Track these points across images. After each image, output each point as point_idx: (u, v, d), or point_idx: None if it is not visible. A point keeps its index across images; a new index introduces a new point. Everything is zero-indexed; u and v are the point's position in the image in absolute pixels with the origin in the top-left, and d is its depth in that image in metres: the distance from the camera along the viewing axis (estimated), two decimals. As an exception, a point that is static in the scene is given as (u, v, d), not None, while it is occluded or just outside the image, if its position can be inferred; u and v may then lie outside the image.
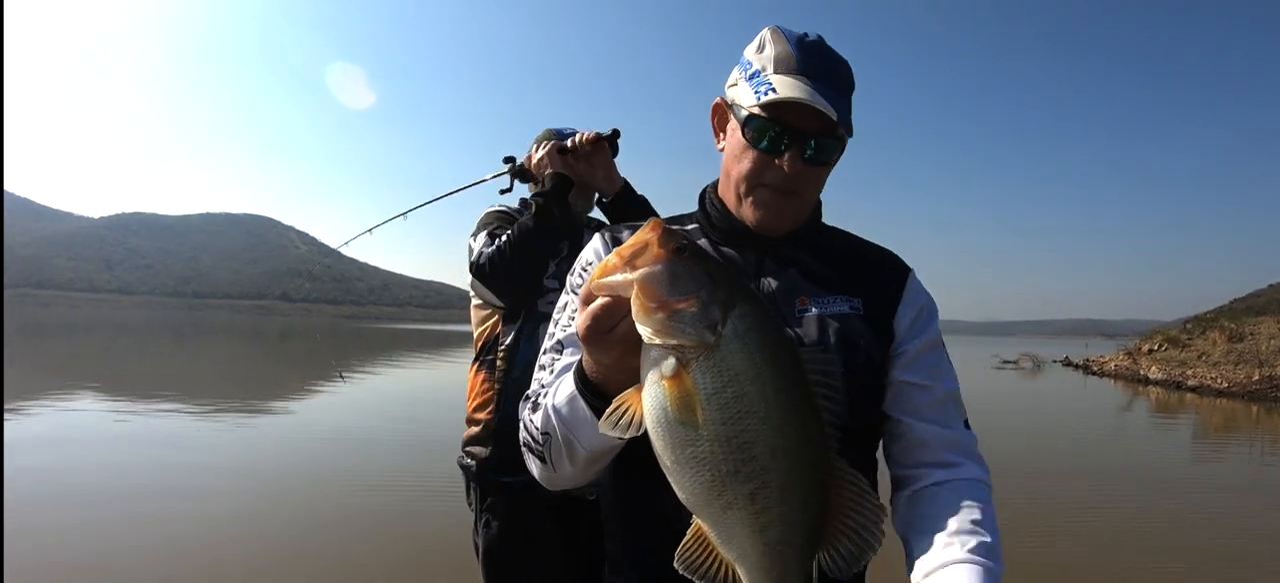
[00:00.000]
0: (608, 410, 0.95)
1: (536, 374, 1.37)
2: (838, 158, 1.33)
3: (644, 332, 0.89)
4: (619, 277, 0.91)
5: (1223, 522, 8.25)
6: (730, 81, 1.35)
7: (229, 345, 41.90)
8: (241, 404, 14.89)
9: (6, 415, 11.07)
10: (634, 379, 0.96)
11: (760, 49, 1.29)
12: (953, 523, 1.20)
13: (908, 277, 1.43)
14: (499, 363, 2.62)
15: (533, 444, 1.25)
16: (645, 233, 0.93)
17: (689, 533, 0.98)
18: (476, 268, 2.59)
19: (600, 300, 0.95)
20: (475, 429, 2.67)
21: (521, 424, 1.29)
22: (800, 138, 1.26)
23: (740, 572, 0.95)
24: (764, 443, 0.88)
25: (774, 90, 1.23)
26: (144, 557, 5.74)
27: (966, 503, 1.23)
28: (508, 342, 2.61)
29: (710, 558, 0.96)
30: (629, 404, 0.94)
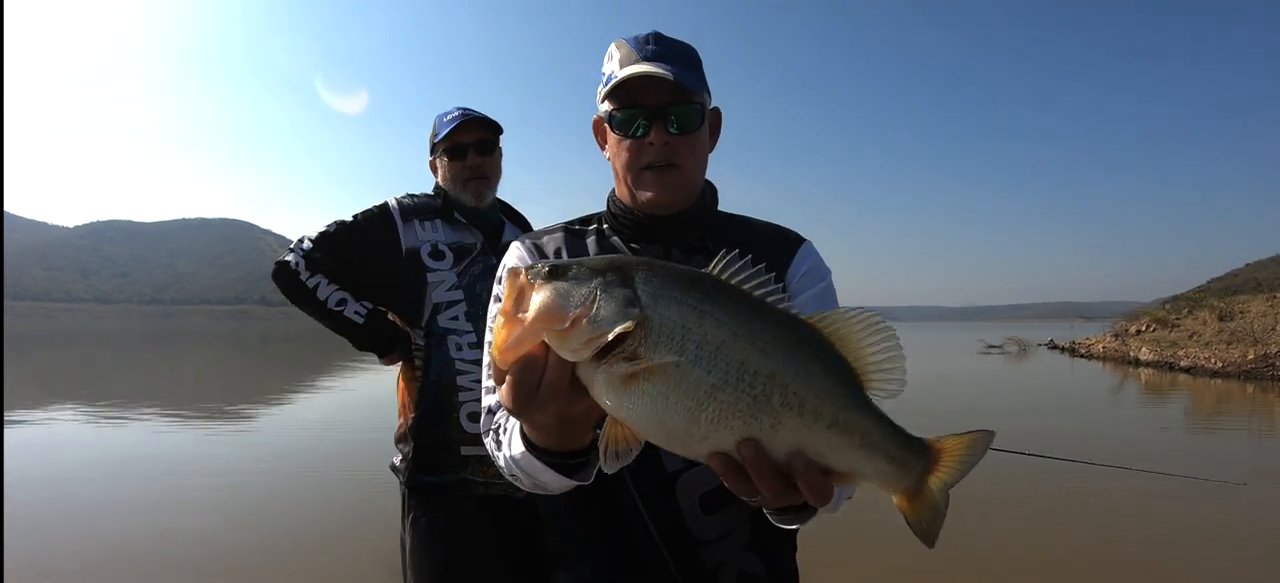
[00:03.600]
0: (603, 452, 0.94)
1: (485, 382, 1.40)
2: (701, 125, 1.42)
3: (576, 355, 0.88)
4: (516, 332, 0.89)
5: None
6: (598, 98, 1.45)
7: (209, 353, 41.18)
8: (224, 412, 14.57)
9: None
10: (581, 430, 1.04)
11: (609, 59, 1.42)
12: None
13: (800, 246, 1.51)
14: (417, 363, 2.60)
15: (504, 471, 1.29)
16: (510, 282, 0.91)
17: None
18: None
19: (514, 366, 0.92)
20: (399, 428, 2.65)
21: (489, 445, 1.34)
22: (659, 114, 1.37)
23: (835, 464, 0.94)
24: (751, 356, 0.89)
25: (615, 77, 1.37)
26: (128, 565, 5.76)
27: None
28: (422, 345, 2.59)
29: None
30: (615, 436, 0.93)
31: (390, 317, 2.67)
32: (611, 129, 1.42)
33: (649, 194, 1.41)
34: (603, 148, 1.50)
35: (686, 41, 1.45)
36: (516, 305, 0.89)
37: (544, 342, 0.89)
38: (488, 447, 1.34)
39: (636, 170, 1.41)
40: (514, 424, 1.18)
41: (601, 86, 1.43)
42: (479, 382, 2.47)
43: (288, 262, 2.59)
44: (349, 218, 2.66)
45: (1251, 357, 23.01)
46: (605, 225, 1.53)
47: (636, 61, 1.36)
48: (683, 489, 1.41)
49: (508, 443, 1.23)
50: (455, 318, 2.54)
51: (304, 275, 2.57)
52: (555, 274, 0.89)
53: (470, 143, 2.67)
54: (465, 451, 2.51)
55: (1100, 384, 23.18)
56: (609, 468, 0.94)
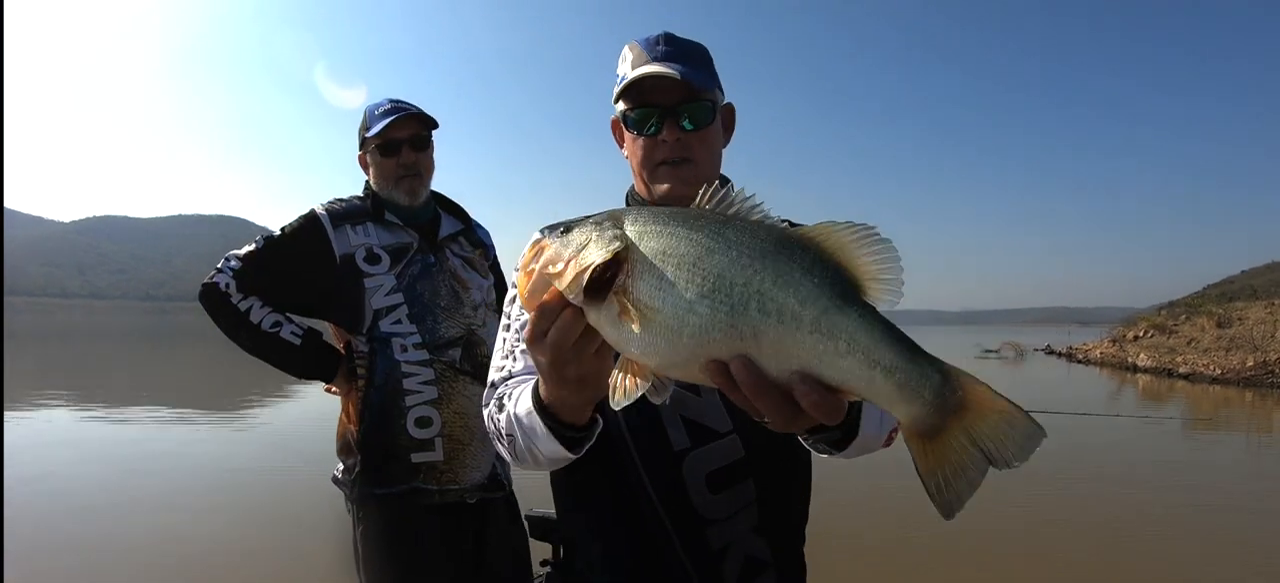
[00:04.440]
0: (612, 394, 0.97)
1: (503, 362, 1.45)
2: (713, 121, 1.48)
3: (573, 287, 0.93)
4: (530, 283, 0.99)
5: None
6: (613, 99, 1.52)
7: (206, 349, 41.03)
8: (221, 408, 14.75)
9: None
10: (581, 403, 1.13)
11: (623, 61, 1.50)
12: None
13: None
14: (360, 372, 2.50)
15: (499, 437, 1.35)
16: (531, 245, 1.03)
17: None
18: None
19: (536, 311, 1.01)
20: (345, 438, 2.57)
21: (487, 414, 1.39)
22: (671, 112, 1.44)
23: (824, 374, 0.88)
24: (728, 268, 0.89)
25: (627, 78, 1.44)
26: (125, 563, 5.80)
27: None
28: (365, 352, 2.50)
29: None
30: (618, 378, 0.97)
31: (328, 335, 2.59)
32: (627, 128, 1.51)
33: (665, 187, 1.47)
34: (621, 146, 1.58)
35: (697, 41, 1.52)
36: (531, 260, 1.00)
37: (557, 291, 0.97)
38: (486, 415, 1.39)
39: (652, 166, 1.47)
40: (525, 387, 1.25)
41: (616, 87, 1.50)
42: (427, 384, 2.46)
43: (215, 282, 2.42)
44: (276, 232, 2.52)
45: (1250, 364, 22.98)
46: None
47: (647, 62, 1.43)
48: (689, 467, 1.42)
49: (514, 402, 1.29)
50: (398, 321, 2.46)
51: (235, 297, 2.42)
52: (565, 230, 0.98)
53: (404, 139, 2.55)
54: (416, 458, 2.44)
55: (1099, 390, 23.14)
56: (617, 407, 0.97)
